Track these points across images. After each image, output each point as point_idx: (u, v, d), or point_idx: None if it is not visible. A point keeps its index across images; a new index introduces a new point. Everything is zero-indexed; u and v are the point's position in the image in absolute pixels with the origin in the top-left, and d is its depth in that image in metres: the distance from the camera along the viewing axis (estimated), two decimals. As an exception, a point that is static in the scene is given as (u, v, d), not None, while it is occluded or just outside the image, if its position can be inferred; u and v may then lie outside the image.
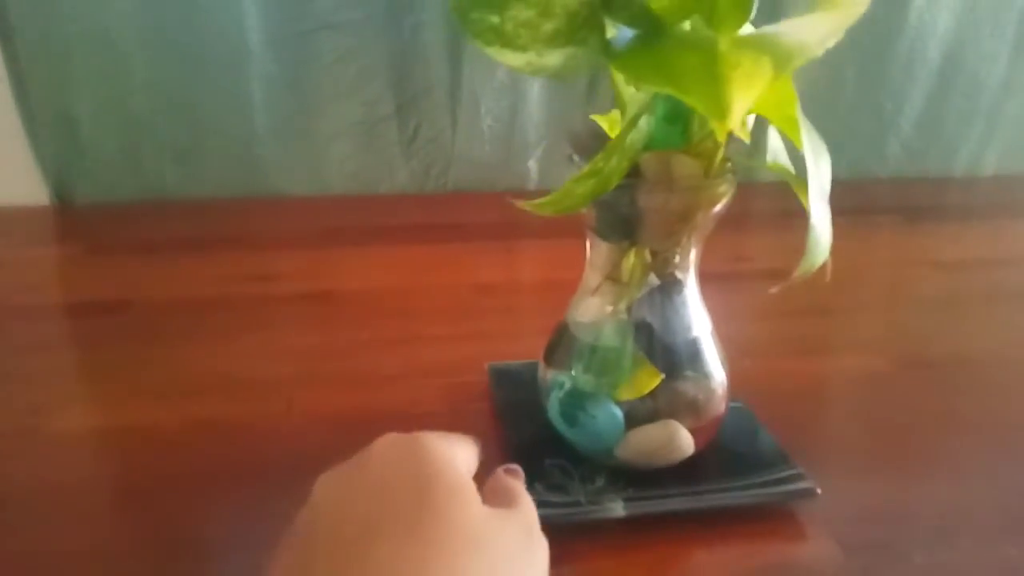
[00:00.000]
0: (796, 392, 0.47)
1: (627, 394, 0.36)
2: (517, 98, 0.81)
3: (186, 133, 0.77)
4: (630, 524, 0.34)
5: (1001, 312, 0.59)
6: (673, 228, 0.35)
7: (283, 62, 0.76)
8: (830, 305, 0.59)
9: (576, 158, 0.34)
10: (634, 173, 0.32)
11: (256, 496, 0.35)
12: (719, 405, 0.37)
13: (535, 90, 0.81)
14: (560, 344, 0.38)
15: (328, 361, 0.50)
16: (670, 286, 0.36)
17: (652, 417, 0.36)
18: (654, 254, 0.36)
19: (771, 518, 0.35)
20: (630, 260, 0.36)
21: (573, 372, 0.37)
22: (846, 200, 0.88)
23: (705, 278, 0.58)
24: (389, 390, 0.46)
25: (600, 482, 0.36)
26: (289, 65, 0.76)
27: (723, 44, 0.24)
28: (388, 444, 0.25)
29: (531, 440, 0.39)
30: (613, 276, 0.37)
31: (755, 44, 0.24)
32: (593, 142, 0.33)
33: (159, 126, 0.76)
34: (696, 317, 0.37)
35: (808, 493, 0.35)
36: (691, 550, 0.34)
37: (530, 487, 0.28)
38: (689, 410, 0.36)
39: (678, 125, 0.32)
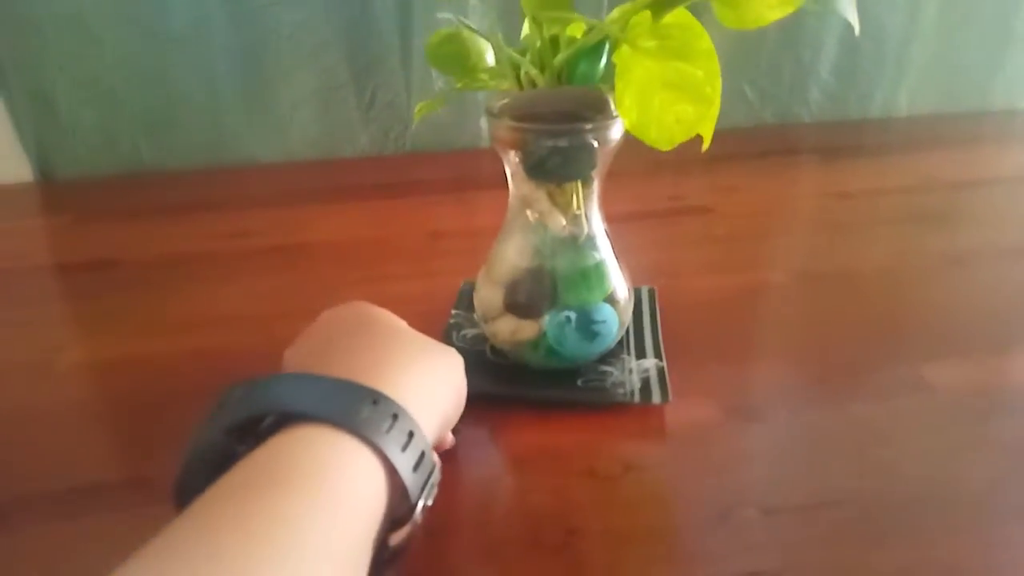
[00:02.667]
0: (701, 302, 0.55)
1: (600, 294, 0.44)
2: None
3: (157, 107, 0.82)
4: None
5: (888, 232, 0.67)
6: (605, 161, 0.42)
7: (243, 35, 0.81)
8: (743, 233, 0.67)
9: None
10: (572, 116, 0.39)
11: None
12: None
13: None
14: (526, 289, 0.44)
15: (301, 299, 0.57)
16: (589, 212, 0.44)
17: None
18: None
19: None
20: (566, 192, 0.43)
21: (565, 301, 0.43)
22: (772, 143, 0.97)
23: (644, 215, 0.67)
24: None
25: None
26: (250, 38, 0.82)
27: None
28: (335, 307, 0.38)
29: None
30: (561, 207, 0.43)
31: None
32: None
33: (132, 102, 0.82)
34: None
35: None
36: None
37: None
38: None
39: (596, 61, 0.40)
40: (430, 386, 0.33)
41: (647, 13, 0.36)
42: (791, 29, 0.92)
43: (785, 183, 0.80)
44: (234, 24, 0.80)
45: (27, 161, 0.83)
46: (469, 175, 0.82)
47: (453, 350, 0.37)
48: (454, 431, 0.37)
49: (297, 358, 0.35)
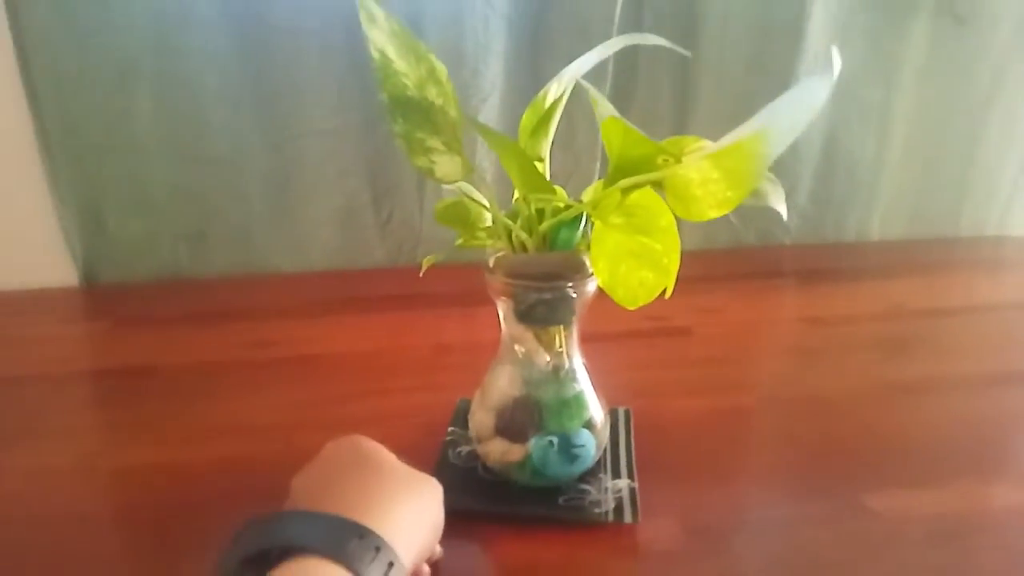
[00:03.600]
0: (675, 423, 0.61)
1: (579, 421, 0.50)
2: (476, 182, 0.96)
3: (196, 222, 0.92)
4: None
5: (852, 360, 0.73)
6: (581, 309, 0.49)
7: (277, 161, 0.91)
8: (719, 356, 0.74)
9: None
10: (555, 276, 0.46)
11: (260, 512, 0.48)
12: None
13: (487, 179, 0.97)
14: (515, 415, 0.50)
15: (317, 409, 0.63)
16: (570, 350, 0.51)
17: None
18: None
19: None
20: (550, 333, 0.51)
21: (548, 427, 0.49)
22: (754, 265, 1.05)
23: (626, 335, 0.74)
24: (364, 429, 0.58)
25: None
26: (282, 164, 0.91)
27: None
28: (337, 440, 0.45)
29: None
30: (545, 346, 0.50)
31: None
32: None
33: (173, 217, 0.91)
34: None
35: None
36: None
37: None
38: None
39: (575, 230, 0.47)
40: (410, 520, 0.39)
41: (616, 191, 0.44)
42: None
43: (763, 306, 0.87)
44: (267, 151, 0.90)
45: (72, 267, 0.92)
46: (474, 289, 0.89)
47: (434, 481, 0.43)
48: (441, 544, 0.43)
49: (302, 487, 0.42)
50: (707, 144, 0.43)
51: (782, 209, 0.44)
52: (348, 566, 0.33)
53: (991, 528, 0.49)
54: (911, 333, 0.80)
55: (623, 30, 0.90)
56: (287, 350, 0.75)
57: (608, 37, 0.88)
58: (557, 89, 0.46)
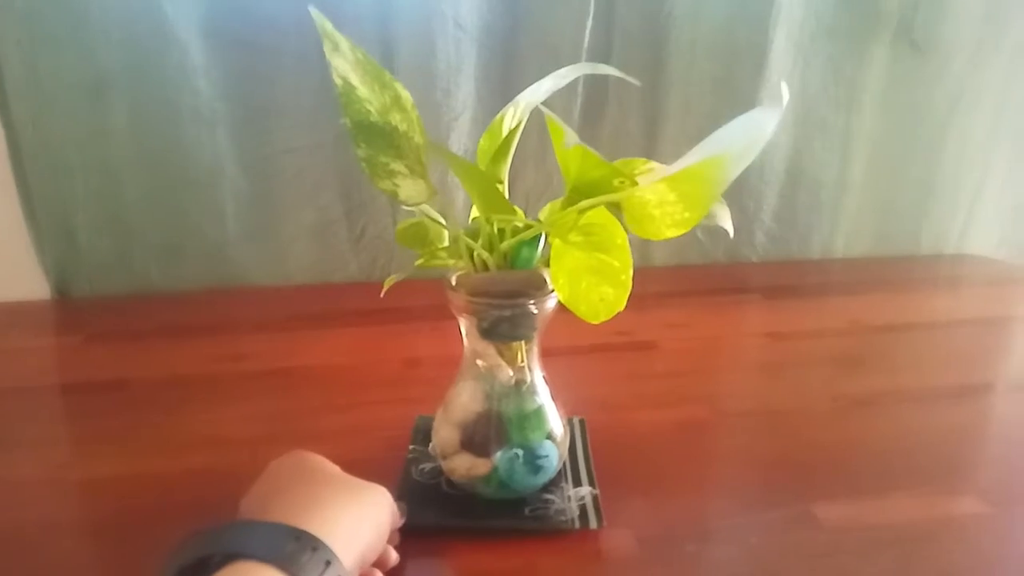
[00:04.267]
0: (634, 435, 0.63)
1: (542, 434, 0.52)
2: (447, 203, 0.98)
3: (169, 238, 0.92)
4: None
5: (809, 374, 0.76)
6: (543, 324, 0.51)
7: (250, 178, 0.92)
8: (681, 369, 0.76)
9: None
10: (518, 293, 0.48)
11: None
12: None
13: (461, 196, 0.99)
14: (479, 429, 0.51)
15: (286, 422, 0.64)
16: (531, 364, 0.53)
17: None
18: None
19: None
20: (512, 348, 0.52)
21: (512, 440, 0.51)
22: (722, 281, 1.08)
23: (591, 349, 0.75)
24: (332, 443, 0.59)
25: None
26: (256, 181, 0.93)
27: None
28: (280, 457, 0.46)
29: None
30: (508, 361, 0.52)
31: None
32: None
33: (147, 233, 0.91)
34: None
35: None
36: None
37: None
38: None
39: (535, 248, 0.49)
40: (350, 522, 0.40)
41: (574, 211, 0.46)
42: (733, 184, 1.04)
43: (726, 321, 0.90)
44: (242, 168, 0.92)
45: (45, 281, 0.92)
46: (446, 303, 0.91)
47: (378, 487, 0.44)
48: (408, 559, 0.45)
49: (248, 505, 0.43)
50: (656, 166, 0.45)
51: (728, 227, 0.47)
52: (285, 568, 0.34)
53: (933, 537, 0.51)
54: (868, 348, 0.82)
55: (592, 52, 0.93)
56: (258, 364, 0.76)
57: (578, 59, 0.91)
58: (512, 115, 0.48)
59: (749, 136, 0.37)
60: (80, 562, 0.48)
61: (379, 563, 0.43)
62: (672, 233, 0.42)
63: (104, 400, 0.69)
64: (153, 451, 0.60)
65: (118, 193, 0.89)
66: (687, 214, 0.41)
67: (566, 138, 0.41)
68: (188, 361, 0.76)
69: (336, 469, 0.45)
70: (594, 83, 0.96)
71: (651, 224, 0.43)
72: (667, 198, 0.41)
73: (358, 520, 0.41)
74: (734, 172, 0.38)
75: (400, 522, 0.47)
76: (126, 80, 0.84)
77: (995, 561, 0.49)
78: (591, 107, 0.97)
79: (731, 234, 0.47)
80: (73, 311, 0.91)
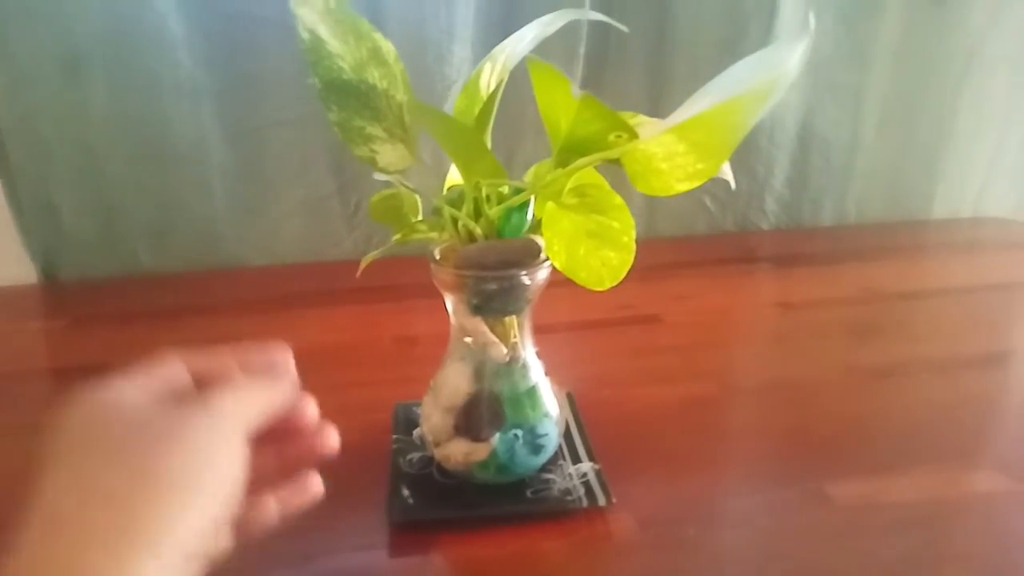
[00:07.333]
0: (634, 412, 0.60)
1: (541, 412, 0.49)
2: (441, 176, 0.94)
3: (156, 217, 0.89)
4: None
5: (821, 345, 0.72)
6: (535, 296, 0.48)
7: (237, 153, 0.89)
8: (685, 343, 0.72)
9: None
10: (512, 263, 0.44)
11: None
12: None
13: (453, 167, 0.95)
14: (474, 412, 0.48)
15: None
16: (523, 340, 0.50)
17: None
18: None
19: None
20: (505, 324, 0.49)
21: (510, 420, 0.47)
22: (731, 251, 1.04)
23: (592, 323, 0.72)
24: None
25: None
26: (243, 155, 0.89)
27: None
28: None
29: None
30: (500, 337, 0.49)
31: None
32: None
33: (132, 213, 0.89)
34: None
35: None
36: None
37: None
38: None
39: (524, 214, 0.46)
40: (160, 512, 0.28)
41: (560, 172, 0.42)
42: (742, 148, 1.00)
43: (734, 292, 0.86)
44: (229, 143, 0.88)
45: (31, 264, 0.90)
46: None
47: (212, 408, 0.31)
48: (410, 555, 0.43)
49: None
50: (645, 119, 0.42)
51: (730, 179, 0.43)
52: None
53: (955, 516, 0.48)
54: (884, 317, 0.79)
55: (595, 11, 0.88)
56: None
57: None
58: (491, 70, 0.44)
59: (768, 75, 0.33)
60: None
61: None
62: (684, 187, 0.39)
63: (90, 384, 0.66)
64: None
65: (101, 171, 0.86)
66: (700, 165, 0.37)
67: (572, 88, 0.38)
68: (176, 344, 0.73)
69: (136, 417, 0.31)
70: (595, 45, 0.92)
71: (659, 179, 0.39)
72: (676, 149, 0.38)
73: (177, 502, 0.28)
74: (753, 116, 0.34)
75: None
76: (103, 53, 0.80)
77: (1021, 540, 0.46)
78: (592, 69, 0.93)
79: (732, 186, 0.43)
80: (59, 293, 0.89)
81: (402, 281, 0.90)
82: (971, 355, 0.70)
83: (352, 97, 0.41)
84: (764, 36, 0.93)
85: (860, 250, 1.00)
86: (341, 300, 0.84)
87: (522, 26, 0.43)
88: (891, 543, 0.45)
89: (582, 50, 0.91)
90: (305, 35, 0.39)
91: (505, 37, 0.45)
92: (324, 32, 0.39)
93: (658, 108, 0.96)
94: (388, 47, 0.41)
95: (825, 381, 0.65)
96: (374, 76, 0.41)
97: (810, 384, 0.64)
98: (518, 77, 0.43)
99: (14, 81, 0.80)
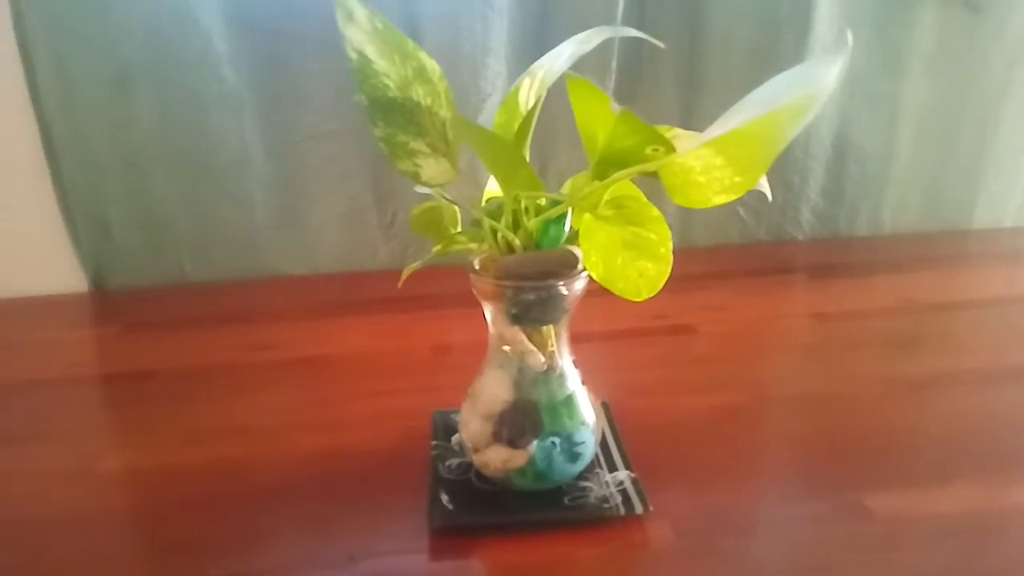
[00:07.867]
0: (669, 422, 0.60)
1: (578, 420, 0.49)
2: (475, 187, 0.96)
3: (199, 229, 0.92)
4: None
5: (857, 356, 0.72)
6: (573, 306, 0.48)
7: (278, 167, 0.92)
8: (720, 354, 0.73)
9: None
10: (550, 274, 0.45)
11: (251, 512, 0.49)
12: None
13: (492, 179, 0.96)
14: (513, 419, 0.49)
15: (312, 411, 0.63)
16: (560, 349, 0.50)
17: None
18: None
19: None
20: (542, 333, 0.50)
21: (547, 428, 0.48)
22: (765, 261, 1.04)
23: (628, 333, 0.72)
24: (354, 432, 0.59)
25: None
26: (283, 169, 0.92)
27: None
28: None
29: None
30: (538, 346, 0.50)
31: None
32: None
33: (177, 224, 0.91)
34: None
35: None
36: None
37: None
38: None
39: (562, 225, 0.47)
40: None
41: (597, 185, 0.43)
42: (777, 158, 1.00)
43: (769, 303, 0.86)
44: (269, 157, 0.91)
45: (83, 275, 0.93)
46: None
47: None
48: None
49: None
50: (680, 132, 0.42)
51: (767, 190, 0.43)
52: None
53: (995, 530, 0.47)
54: (923, 328, 0.78)
55: (627, 24, 0.89)
56: (286, 352, 0.75)
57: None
58: (530, 86, 0.45)
59: (806, 90, 0.34)
60: (106, 553, 0.47)
61: None
62: (721, 200, 0.39)
63: (134, 390, 0.69)
64: (181, 441, 0.59)
65: (147, 185, 0.89)
66: (737, 178, 0.38)
67: (611, 104, 0.38)
68: (219, 351, 0.76)
69: None
70: (628, 58, 0.93)
71: (696, 192, 0.40)
72: (713, 163, 0.38)
73: None
74: (792, 130, 0.34)
75: None
76: (150, 70, 0.84)
77: (1067, 555, 0.45)
78: (624, 83, 0.94)
79: (769, 197, 0.43)
80: (109, 303, 0.92)
81: (437, 291, 0.91)
82: (1012, 367, 0.69)
83: (397, 113, 0.43)
84: (798, 46, 0.93)
85: (897, 260, 0.99)
86: (378, 309, 0.86)
87: (554, 39, 0.44)
88: (930, 556, 0.45)
89: (614, 63, 0.92)
90: (353, 55, 0.40)
91: (538, 50, 0.47)
92: (371, 52, 0.41)
93: (690, 118, 0.96)
94: (432, 65, 0.42)
95: (862, 392, 0.64)
96: (419, 93, 0.43)
97: (847, 395, 0.64)
98: (550, 91, 0.44)
99: (67, 99, 0.84)
